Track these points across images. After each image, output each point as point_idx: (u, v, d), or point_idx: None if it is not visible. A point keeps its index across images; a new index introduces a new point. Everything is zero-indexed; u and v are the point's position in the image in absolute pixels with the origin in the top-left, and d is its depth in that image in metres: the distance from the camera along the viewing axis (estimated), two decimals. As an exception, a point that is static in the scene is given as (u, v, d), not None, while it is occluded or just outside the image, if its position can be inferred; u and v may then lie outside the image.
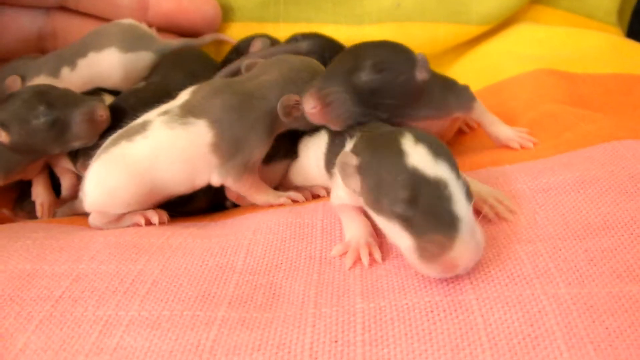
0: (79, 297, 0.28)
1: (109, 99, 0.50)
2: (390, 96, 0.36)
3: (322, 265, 0.30)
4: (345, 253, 0.30)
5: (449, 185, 0.27)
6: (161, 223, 0.37)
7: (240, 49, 0.55)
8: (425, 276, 0.27)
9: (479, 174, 0.36)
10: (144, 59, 0.51)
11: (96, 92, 0.51)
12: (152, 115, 0.38)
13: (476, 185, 0.31)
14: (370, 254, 0.30)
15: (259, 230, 0.34)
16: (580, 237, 0.29)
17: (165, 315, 0.26)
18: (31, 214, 0.46)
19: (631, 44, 0.61)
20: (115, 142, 0.38)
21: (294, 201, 0.39)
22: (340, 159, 0.30)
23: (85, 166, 0.41)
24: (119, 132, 0.39)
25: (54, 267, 0.30)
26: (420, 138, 0.29)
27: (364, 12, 0.62)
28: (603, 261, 0.27)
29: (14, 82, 0.50)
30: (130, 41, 0.51)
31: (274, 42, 0.54)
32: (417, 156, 0.28)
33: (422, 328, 0.25)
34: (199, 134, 0.37)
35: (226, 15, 0.60)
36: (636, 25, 0.71)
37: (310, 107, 0.35)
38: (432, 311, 0.25)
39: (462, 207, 0.26)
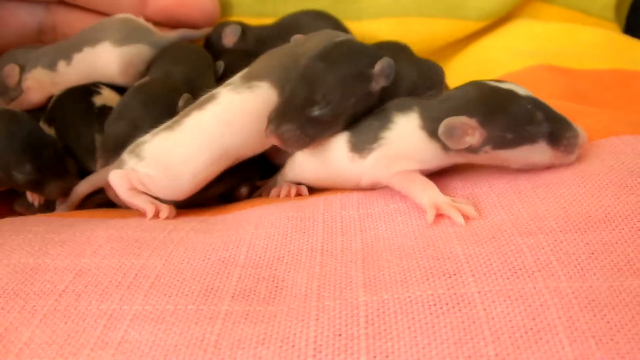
0: (82, 291, 0.28)
1: (108, 93, 0.50)
2: (347, 116, 0.37)
3: (324, 258, 0.30)
4: (439, 215, 0.32)
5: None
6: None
7: (212, 40, 0.56)
8: (427, 268, 0.28)
9: (480, 172, 0.36)
10: (140, 52, 0.51)
11: (95, 85, 0.51)
12: (217, 89, 0.40)
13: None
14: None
15: (260, 225, 0.34)
16: (582, 230, 0.29)
17: (169, 309, 0.26)
18: (30, 210, 0.46)
19: (628, 39, 0.61)
20: (186, 114, 0.40)
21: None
22: (449, 125, 0.33)
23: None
24: (186, 109, 0.40)
25: (56, 261, 0.30)
26: (495, 81, 0.36)
27: (362, 7, 0.62)
28: (604, 254, 0.27)
29: (12, 71, 0.50)
30: (125, 35, 0.51)
31: (245, 28, 0.55)
32: (517, 88, 0.34)
33: (425, 322, 0.25)
34: (266, 94, 0.39)
35: (225, 10, 0.60)
36: (633, 21, 0.71)
37: (273, 143, 0.37)
38: (434, 304, 0.25)
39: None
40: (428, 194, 0.33)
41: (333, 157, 0.38)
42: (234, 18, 0.60)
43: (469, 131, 0.33)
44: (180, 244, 0.32)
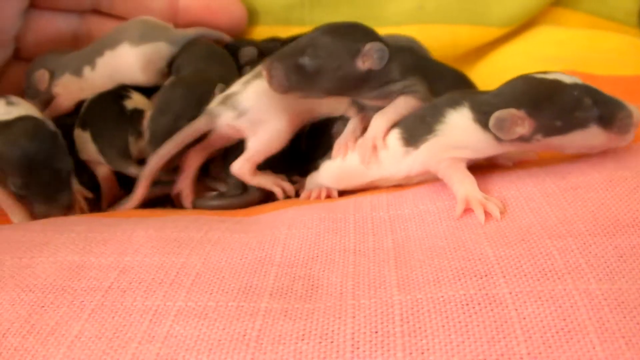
0: (127, 287, 0.29)
1: (138, 97, 0.52)
2: (328, 80, 0.40)
3: (357, 257, 0.31)
4: (467, 210, 0.33)
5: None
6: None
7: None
8: (458, 268, 0.28)
9: (508, 175, 0.37)
10: (158, 49, 0.53)
11: (125, 89, 0.52)
12: None
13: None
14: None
15: (294, 225, 0.35)
16: (610, 233, 0.29)
17: (211, 305, 0.27)
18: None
19: (652, 46, 0.61)
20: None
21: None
22: (499, 117, 0.35)
23: None
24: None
25: (100, 259, 0.31)
26: (542, 72, 0.37)
27: (386, 14, 0.63)
28: (632, 258, 0.27)
29: (42, 76, 0.52)
30: (142, 34, 0.52)
31: (260, 50, 0.56)
32: (564, 77, 0.36)
33: (458, 320, 0.25)
34: None
35: (252, 18, 0.61)
36: (657, 27, 0.71)
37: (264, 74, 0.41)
38: (467, 304, 0.26)
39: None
40: (465, 187, 0.34)
41: (385, 156, 0.40)
42: (261, 26, 0.62)
43: (519, 122, 0.35)
44: (217, 243, 0.33)
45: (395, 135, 0.39)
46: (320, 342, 0.25)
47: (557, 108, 0.35)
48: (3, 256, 0.32)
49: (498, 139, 0.36)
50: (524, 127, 0.35)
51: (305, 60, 0.39)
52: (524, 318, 0.25)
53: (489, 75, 0.61)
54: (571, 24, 0.64)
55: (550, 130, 0.35)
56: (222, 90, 0.46)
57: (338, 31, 0.41)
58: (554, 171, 0.36)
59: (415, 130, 0.39)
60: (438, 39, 0.62)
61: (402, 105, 0.41)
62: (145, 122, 0.46)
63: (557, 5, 0.65)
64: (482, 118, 0.36)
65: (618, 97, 0.35)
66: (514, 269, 0.28)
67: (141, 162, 0.48)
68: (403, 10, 0.62)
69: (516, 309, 0.26)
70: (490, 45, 0.64)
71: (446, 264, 0.29)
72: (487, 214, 0.32)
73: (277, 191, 0.44)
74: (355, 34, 0.41)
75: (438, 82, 0.43)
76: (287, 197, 0.45)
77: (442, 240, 0.32)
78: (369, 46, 0.40)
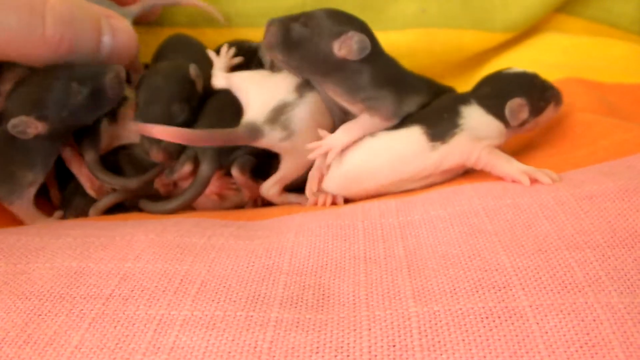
0: (129, 295, 0.27)
1: None
2: (302, 53, 0.40)
3: (368, 265, 0.30)
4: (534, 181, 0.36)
5: None
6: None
7: None
8: (475, 279, 0.27)
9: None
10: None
11: None
12: None
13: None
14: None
15: (301, 232, 0.33)
16: (629, 245, 0.28)
17: (219, 315, 0.26)
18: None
19: (658, 54, 0.61)
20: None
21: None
22: (513, 106, 0.41)
23: None
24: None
25: (99, 265, 0.30)
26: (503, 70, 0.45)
27: (389, 18, 0.62)
28: None
29: None
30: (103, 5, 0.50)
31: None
32: (519, 69, 0.44)
33: (478, 334, 0.24)
34: None
35: (254, 20, 0.60)
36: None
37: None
38: (487, 317, 0.25)
39: None
40: (515, 165, 0.37)
41: (410, 152, 0.40)
42: (262, 28, 0.60)
43: (522, 109, 0.41)
44: (222, 250, 0.31)
45: (418, 130, 0.40)
46: (335, 356, 0.24)
47: (538, 92, 0.42)
48: None
49: (507, 127, 0.42)
50: (525, 112, 0.41)
51: (296, 26, 0.39)
52: (546, 332, 0.24)
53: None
54: (575, 31, 0.64)
55: (537, 112, 0.42)
56: (196, 71, 0.45)
57: (336, 12, 0.40)
58: (567, 179, 0.35)
59: (438, 126, 0.40)
60: (441, 43, 0.61)
61: (367, 123, 0.41)
62: (133, 116, 0.44)
63: (560, 12, 0.64)
64: (493, 109, 0.41)
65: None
66: (533, 281, 0.27)
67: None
68: (405, 13, 0.62)
69: (537, 323, 0.25)
70: (493, 50, 0.63)
71: (462, 274, 0.28)
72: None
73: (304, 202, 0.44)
74: (347, 21, 0.40)
75: (412, 96, 0.43)
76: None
77: (455, 248, 0.30)
78: (352, 33, 0.39)
